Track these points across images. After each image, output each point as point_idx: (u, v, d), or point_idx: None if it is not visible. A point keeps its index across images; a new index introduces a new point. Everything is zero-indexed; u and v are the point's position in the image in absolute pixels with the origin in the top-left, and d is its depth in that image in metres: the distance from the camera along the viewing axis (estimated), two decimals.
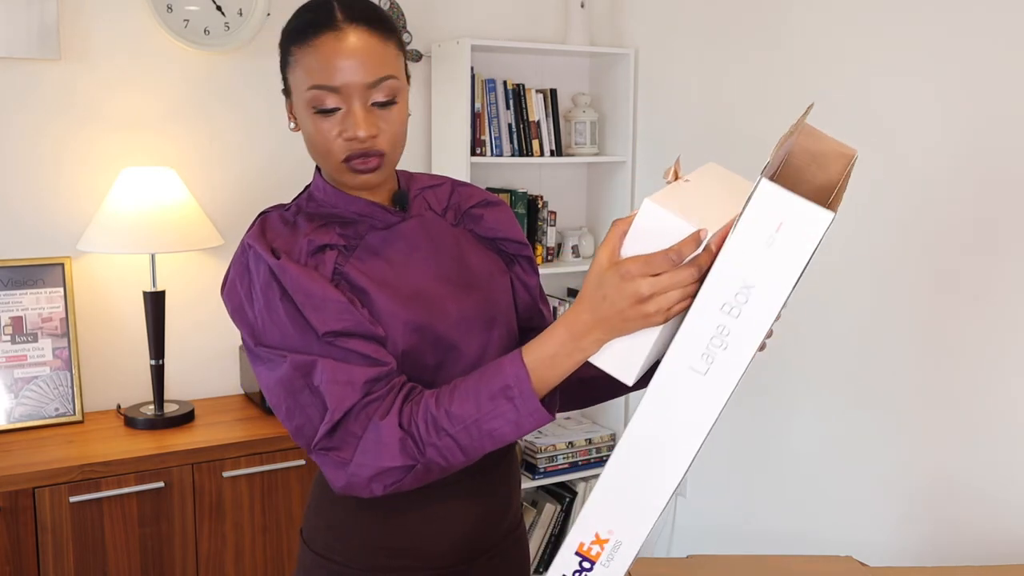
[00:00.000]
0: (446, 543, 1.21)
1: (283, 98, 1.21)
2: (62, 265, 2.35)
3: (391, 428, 1.04)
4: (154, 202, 2.27)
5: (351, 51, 1.10)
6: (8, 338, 2.28)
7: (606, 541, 0.95)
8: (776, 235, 0.82)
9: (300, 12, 1.16)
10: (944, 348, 2.09)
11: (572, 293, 3.15)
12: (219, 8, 2.48)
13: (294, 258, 1.12)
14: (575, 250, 3.05)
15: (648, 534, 0.97)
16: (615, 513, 0.96)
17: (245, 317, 1.13)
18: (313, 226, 1.17)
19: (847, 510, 2.33)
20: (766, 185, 0.82)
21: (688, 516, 2.87)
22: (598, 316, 0.95)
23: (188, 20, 2.45)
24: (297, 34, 1.14)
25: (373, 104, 1.13)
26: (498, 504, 1.28)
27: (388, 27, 1.15)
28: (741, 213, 0.84)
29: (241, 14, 2.50)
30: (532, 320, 1.35)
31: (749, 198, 0.83)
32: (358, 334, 1.09)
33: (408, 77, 1.20)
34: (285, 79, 1.18)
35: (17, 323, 2.29)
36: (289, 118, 1.20)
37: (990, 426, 2.01)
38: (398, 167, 1.26)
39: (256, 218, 1.21)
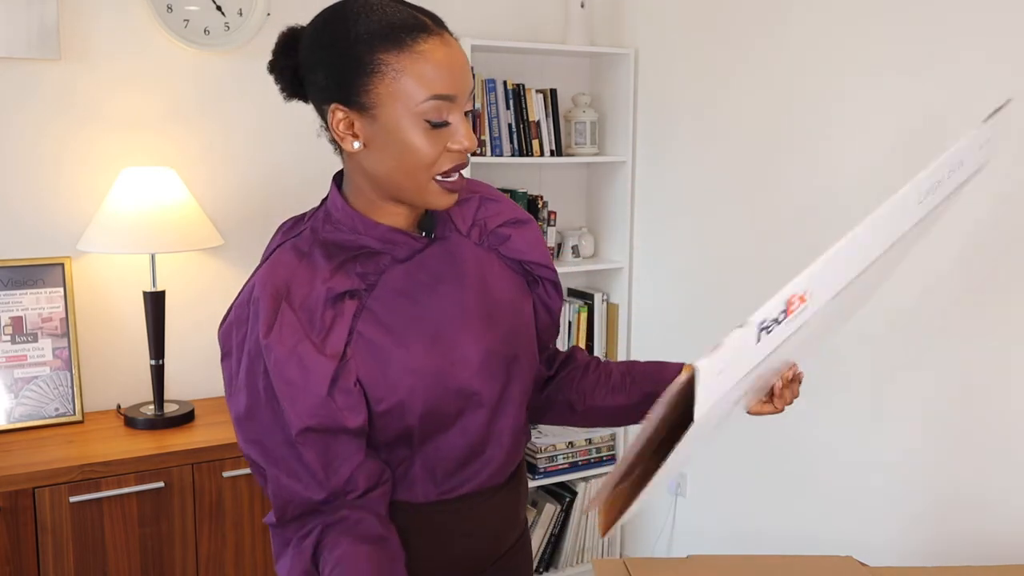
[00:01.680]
0: (455, 556, 1.21)
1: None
2: (62, 265, 2.35)
3: (302, 569, 1.09)
4: (154, 202, 2.27)
5: (458, 58, 1.04)
6: (8, 338, 2.28)
7: (804, 300, 0.95)
8: (986, 143, 1.24)
9: (371, 13, 1.03)
10: (946, 348, 2.09)
11: (572, 293, 3.15)
12: (219, 8, 2.48)
13: (308, 307, 1.07)
14: (575, 250, 3.05)
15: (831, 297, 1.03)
16: (827, 281, 0.97)
17: (228, 367, 1.11)
18: (331, 266, 1.09)
19: (847, 510, 2.33)
20: (993, 120, 1.21)
21: (688, 516, 2.87)
22: None
23: (188, 20, 2.45)
24: (386, 38, 1.02)
25: (465, 114, 1.08)
26: (507, 518, 1.27)
27: None
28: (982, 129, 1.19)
29: (241, 14, 2.50)
30: (547, 341, 1.34)
31: (991, 116, 1.22)
32: (329, 430, 1.07)
33: None
34: (362, 90, 1.03)
35: (17, 323, 2.29)
36: (349, 136, 1.07)
37: (991, 426, 2.01)
38: None
39: (268, 250, 1.15)
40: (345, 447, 1.08)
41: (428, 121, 1.03)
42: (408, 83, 1.02)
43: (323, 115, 1.10)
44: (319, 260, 1.10)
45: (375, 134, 1.05)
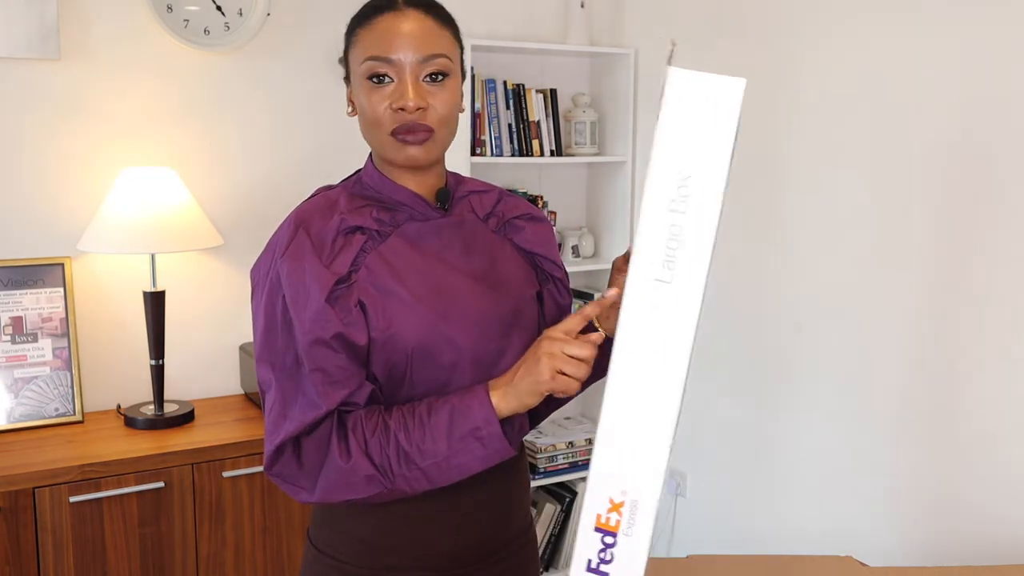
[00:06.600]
0: (452, 545, 1.21)
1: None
2: (62, 265, 2.35)
3: (362, 464, 1.11)
4: (154, 202, 2.27)
5: (407, 28, 1.17)
6: (8, 338, 2.28)
7: (622, 504, 0.88)
8: (700, 118, 0.82)
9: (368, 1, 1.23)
10: (944, 350, 2.09)
11: (572, 293, 3.14)
12: (219, 8, 2.48)
13: (322, 234, 1.16)
14: (575, 250, 3.05)
15: (663, 484, 0.90)
16: (623, 469, 0.88)
17: (254, 300, 1.19)
18: (352, 206, 1.20)
19: (847, 511, 2.33)
20: (675, 72, 0.81)
21: (688, 516, 2.87)
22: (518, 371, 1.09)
23: (188, 20, 2.45)
24: (361, 17, 1.20)
25: (424, 79, 1.17)
26: (506, 507, 1.27)
27: (445, 16, 1.22)
28: (660, 109, 0.81)
29: (241, 14, 2.50)
30: None
31: (662, 91, 0.81)
32: (332, 344, 1.12)
33: (464, 73, 1.25)
34: (347, 63, 1.23)
35: (17, 323, 2.29)
36: (348, 103, 1.25)
37: (990, 428, 2.01)
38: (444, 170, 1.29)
39: (311, 194, 1.27)
40: (347, 367, 1.13)
41: (368, 79, 1.17)
42: (359, 50, 1.18)
43: None
44: (342, 202, 1.21)
45: (355, 99, 1.22)
